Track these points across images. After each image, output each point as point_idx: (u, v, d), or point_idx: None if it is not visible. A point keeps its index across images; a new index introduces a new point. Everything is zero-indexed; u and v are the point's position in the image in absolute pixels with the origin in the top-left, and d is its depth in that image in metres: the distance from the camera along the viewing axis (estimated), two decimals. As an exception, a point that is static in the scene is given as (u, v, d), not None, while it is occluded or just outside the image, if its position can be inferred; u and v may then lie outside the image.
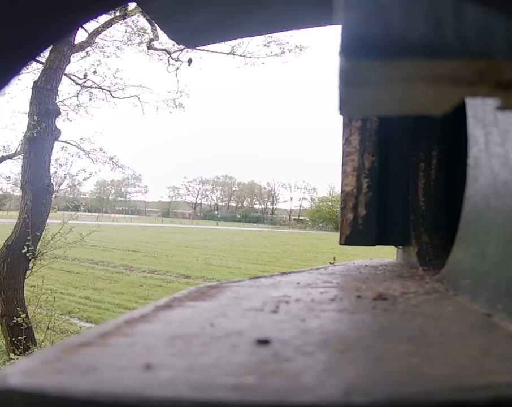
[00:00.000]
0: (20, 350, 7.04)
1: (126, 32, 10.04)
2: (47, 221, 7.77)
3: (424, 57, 0.29)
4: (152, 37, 10.10)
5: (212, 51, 10.74)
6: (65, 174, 10.22)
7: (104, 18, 8.58)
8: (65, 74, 8.91)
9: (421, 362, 0.29)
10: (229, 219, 79.81)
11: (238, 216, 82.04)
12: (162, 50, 10.56)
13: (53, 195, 8.02)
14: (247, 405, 0.25)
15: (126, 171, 13.22)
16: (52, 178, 8.00)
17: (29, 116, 7.62)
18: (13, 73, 0.25)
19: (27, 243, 7.27)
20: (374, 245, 0.89)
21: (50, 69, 7.73)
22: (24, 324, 7.20)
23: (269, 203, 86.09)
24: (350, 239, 0.87)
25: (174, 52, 10.52)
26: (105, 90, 10.71)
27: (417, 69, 0.29)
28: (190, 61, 10.17)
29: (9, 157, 9.29)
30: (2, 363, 7.20)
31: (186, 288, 0.65)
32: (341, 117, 0.88)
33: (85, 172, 10.23)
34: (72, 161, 10.23)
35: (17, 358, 6.68)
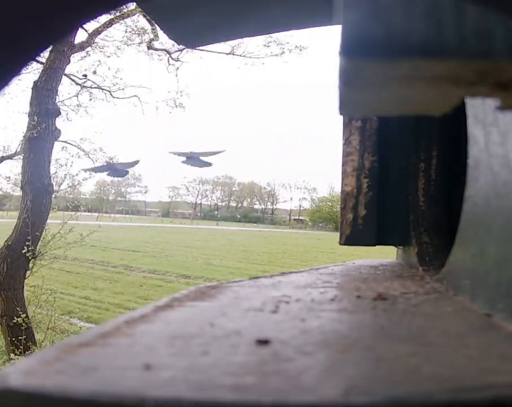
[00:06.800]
0: (20, 350, 7.03)
1: (126, 32, 10.04)
2: (47, 221, 7.77)
3: (424, 57, 0.29)
4: (152, 37, 10.09)
5: (212, 51, 10.74)
6: (65, 174, 10.19)
7: (104, 18, 8.58)
8: (65, 74, 8.90)
9: (421, 362, 0.29)
10: (229, 219, 79.75)
11: (238, 216, 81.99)
12: (162, 50, 10.55)
13: (53, 196, 8.02)
14: (247, 405, 0.25)
15: (126, 171, 13.18)
16: (52, 178, 7.99)
17: (29, 116, 7.62)
18: (13, 73, 0.25)
19: (27, 243, 7.27)
20: (374, 245, 0.89)
21: (50, 69, 7.73)
22: (24, 324, 7.20)
23: (269, 203, 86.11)
24: (350, 239, 0.87)
25: (174, 52, 10.51)
26: (105, 90, 10.69)
27: (417, 69, 0.29)
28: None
29: (9, 157, 9.27)
30: (2, 363, 7.20)
31: (186, 288, 0.65)
32: (341, 117, 0.88)
33: (85, 172, 10.21)
34: (72, 162, 10.20)
35: (17, 358, 6.68)
